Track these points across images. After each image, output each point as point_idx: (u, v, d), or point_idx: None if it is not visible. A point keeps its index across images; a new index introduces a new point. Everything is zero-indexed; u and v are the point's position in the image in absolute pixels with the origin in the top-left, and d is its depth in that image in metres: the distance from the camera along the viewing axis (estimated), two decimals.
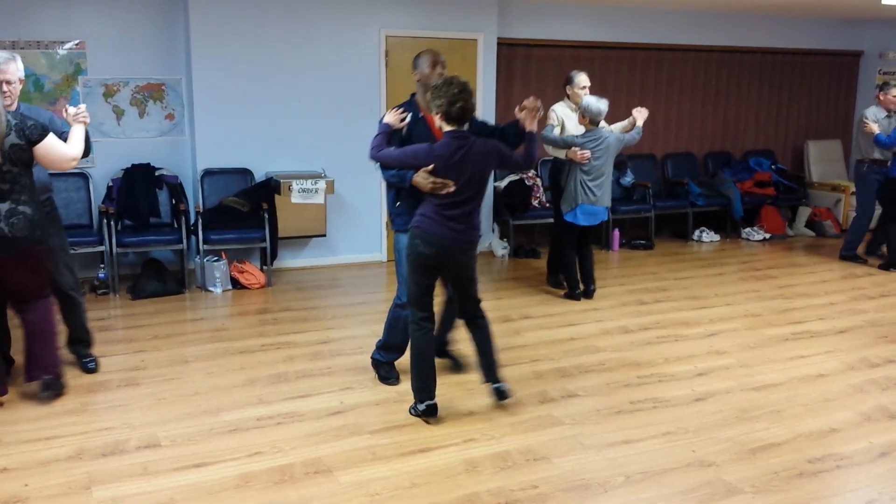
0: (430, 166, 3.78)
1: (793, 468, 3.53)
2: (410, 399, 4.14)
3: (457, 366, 4.63)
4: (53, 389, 4.15)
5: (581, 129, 5.96)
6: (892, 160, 7.09)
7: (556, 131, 6.08)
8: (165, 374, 4.56)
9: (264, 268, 6.60)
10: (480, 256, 7.45)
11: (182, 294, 6.24)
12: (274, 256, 6.68)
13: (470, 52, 7.42)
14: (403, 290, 4.18)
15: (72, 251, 6.02)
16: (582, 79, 6.19)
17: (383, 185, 7.23)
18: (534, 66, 8.05)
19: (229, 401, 4.20)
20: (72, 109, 4.12)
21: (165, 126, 6.77)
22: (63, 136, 4.06)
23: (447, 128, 3.77)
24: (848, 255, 7.60)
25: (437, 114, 3.76)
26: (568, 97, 6.25)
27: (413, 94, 4.27)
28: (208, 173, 6.69)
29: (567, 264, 6.21)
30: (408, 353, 4.10)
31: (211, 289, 6.30)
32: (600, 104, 5.80)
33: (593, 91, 6.18)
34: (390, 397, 4.27)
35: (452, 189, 3.75)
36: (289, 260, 7.08)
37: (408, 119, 4.11)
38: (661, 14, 8.51)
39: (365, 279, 6.90)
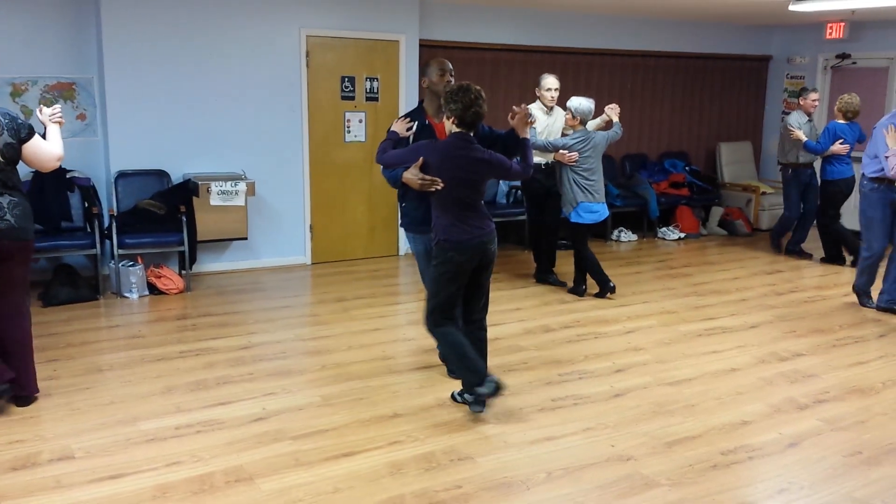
0: (419, 162, 3.92)
1: (707, 460, 3.65)
2: (335, 403, 4.13)
3: None
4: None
5: (550, 131, 6.24)
6: (823, 164, 7.45)
7: (542, 137, 6.28)
8: (79, 384, 4.41)
9: (183, 272, 6.46)
10: (411, 256, 7.47)
11: (96, 300, 6.05)
12: (193, 260, 6.53)
13: (392, 54, 7.42)
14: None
15: None
16: (549, 81, 6.43)
17: (306, 186, 7.20)
18: (456, 69, 7.98)
19: (146, 410, 4.09)
20: (46, 110, 4.15)
21: (77, 126, 6.55)
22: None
23: (456, 130, 3.92)
24: (772, 244, 8.19)
25: (450, 118, 3.91)
26: (539, 99, 6.47)
27: (421, 102, 4.43)
28: (122, 175, 6.50)
29: (588, 263, 6.33)
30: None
31: (127, 295, 6.12)
32: (589, 104, 6.04)
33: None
34: (314, 402, 4.23)
35: (440, 187, 3.87)
36: (208, 264, 6.93)
37: (414, 127, 4.25)
38: (578, 18, 8.67)
39: (288, 282, 6.82)
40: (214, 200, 6.38)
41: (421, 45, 7.58)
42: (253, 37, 6.82)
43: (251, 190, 6.56)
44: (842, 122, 7.32)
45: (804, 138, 7.42)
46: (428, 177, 3.91)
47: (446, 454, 3.66)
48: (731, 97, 10.09)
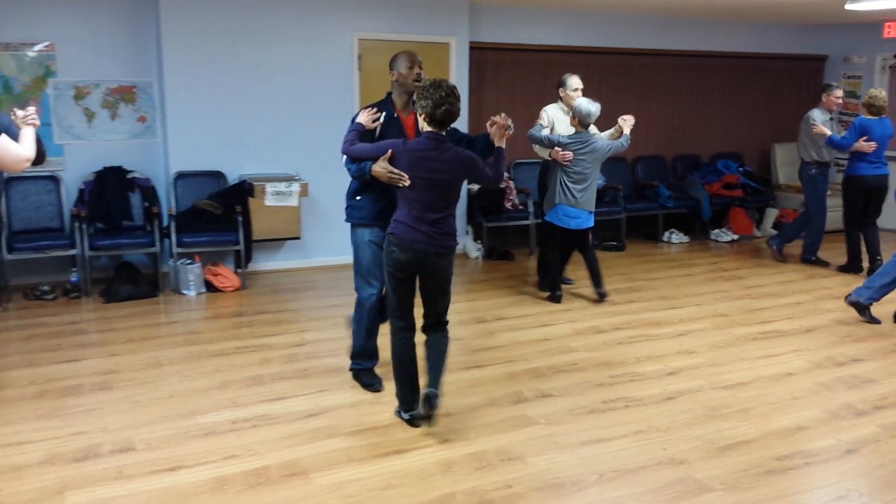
0: (388, 154, 3.78)
1: (762, 466, 3.61)
2: (386, 401, 4.18)
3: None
4: None
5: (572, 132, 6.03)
6: (849, 161, 7.19)
7: (545, 132, 6.09)
8: (140, 378, 4.54)
9: (238, 270, 6.59)
10: (460, 255, 7.48)
11: (156, 297, 6.20)
12: (248, 259, 6.67)
13: (442, 56, 7.46)
14: (360, 284, 4.24)
15: (43, 254, 6.05)
16: (574, 81, 6.18)
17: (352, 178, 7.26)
18: (505, 70, 8.12)
19: (204, 404, 4.19)
20: (20, 112, 4.06)
21: (137, 128, 6.73)
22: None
23: (428, 129, 3.76)
24: (810, 259, 7.66)
25: (421, 114, 3.74)
26: (561, 99, 6.24)
27: (389, 94, 4.26)
28: (181, 176, 6.66)
29: (548, 265, 6.25)
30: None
31: (185, 292, 6.27)
32: (591, 106, 5.79)
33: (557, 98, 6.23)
34: (366, 399, 4.29)
35: (407, 183, 3.74)
36: (263, 262, 7.06)
37: (381, 119, 4.12)
38: (630, 19, 8.61)
39: (339, 281, 6.89)
40: (269, 201, 6.50)
41: (471, 48, 7.62)
42: (307, 40, 6.93)
43: (304, 191, 6.66)
44: (869, 117, 6.97)
45: (828, 132, 7.06)
46: (396, 171, 3.75)
47: (497, 454, 3.68)
48: (786, 97, 9.91)
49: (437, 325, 3.93)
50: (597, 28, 8.44)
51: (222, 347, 5.08)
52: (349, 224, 4.31)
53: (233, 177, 6.82)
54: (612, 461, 3.63)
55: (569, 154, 5.82)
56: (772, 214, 9.15)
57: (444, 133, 3.77)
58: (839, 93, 7.38)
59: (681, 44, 8.96)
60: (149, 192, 6.57)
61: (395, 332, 3.93)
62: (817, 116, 7.30)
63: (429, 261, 3.76)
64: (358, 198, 4.18)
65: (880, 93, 6.94)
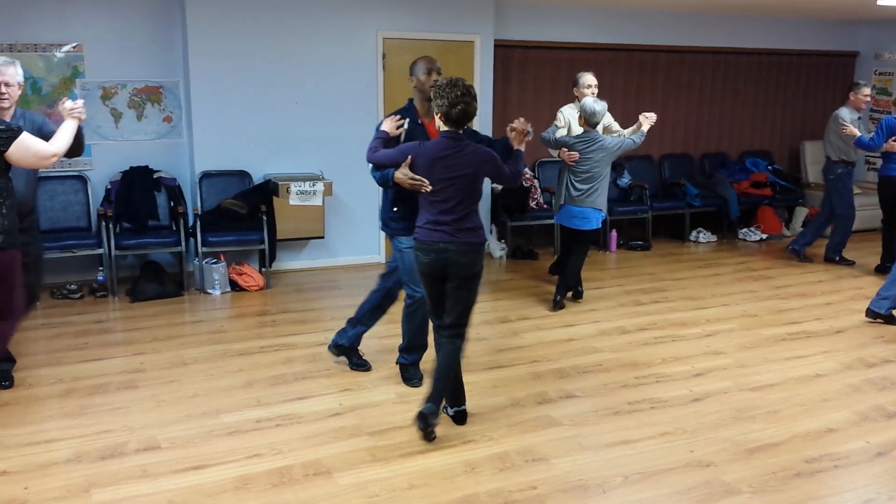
0: (408, 160, 3.79)
1: (790, 468, 3.55)
2: (411, 400, 4.17)
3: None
4: None
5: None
6: (883, 159, 7.08)
7: (561, 132, 6.05)
8: (165, 377, 4.57)
9: (263, 270, 6.61)
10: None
11: (181, 296, 6.24)
12: (272, 258, 6.69)
13: (467, 54, 7.43)
14: (410, 287, 4.25)
15: (70, 254, 6.11)
16: (586, 79, 6.10)
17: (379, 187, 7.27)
18: (531, 68, 8.07)
19: (228, 403, 4.20)
20: (68, 104, 4.00)
21: (163, 128, 6.78)
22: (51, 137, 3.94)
23: (444, 128, 3.76)
24: (834, 259, 7.55)
25: (437, 114, 3.74)
26: (577, 99, 6.17)
27: (410, 100, 4.28)
28: (206, 175, 6.70)
29: (567, 269, 6.18)
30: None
31: (210, 291, 6.31)
32: (596, 105, 5.72)
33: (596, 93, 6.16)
34: (389, 399, 4.28)
35: (429, 189, 3.75)
36: (287, 262, 7.08)
37: (405, 125, 4.14)
38: (657, 16, 8.53)
39: (363, 281, 6.88)
40: (293, 200, 6.51)
41: (496, 46, 7.58)
42: (331, 40, 6.94)
43: (328, 190, 6.67)
44: None
45: (857, 133, 6.96)
46: (417, 177, 3.77)
47: (521, 455, 3.65)
48: (817, 94, 9.76)
49: (452, 328, 3.85)
50: (623, 25, 8.37)
51: (246, 346, 5.10)
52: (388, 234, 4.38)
53: (258, 176, 6.85)
54: (637, 463, 3.59)
55: (575, 154, 5.77)
56: (801, 213, 9.02)
57: (460, 132, 3.76)
58: (867, 91, 7.28)
59: (709, 40, 8.85)
60: (174, 192, 6.61)
61: (435, 331, 3.98)
62: (846, 115, 7.18)
63: (451, 258, 3.75)
64: (395, 209, 4.19)
65: None
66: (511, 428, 3.93)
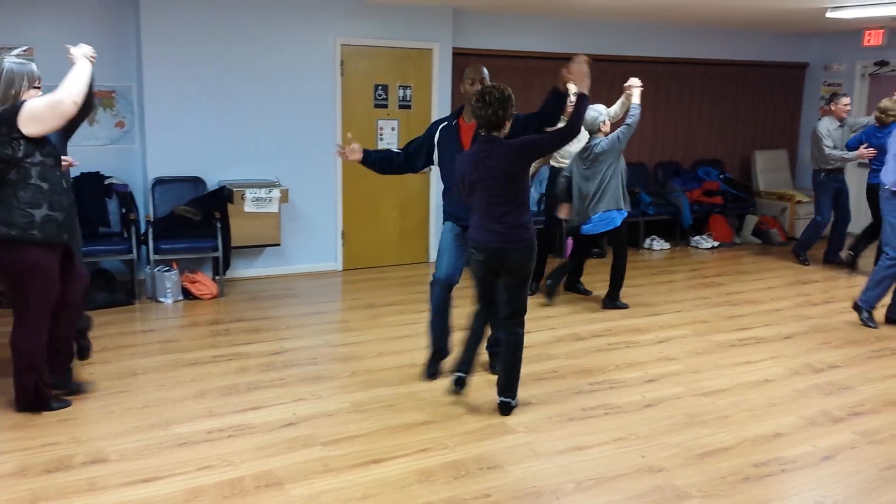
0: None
1: (739, 472, 3.61)
2: (365, 409, 4.15)
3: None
4: None
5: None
6: (871, 167, 7.32)
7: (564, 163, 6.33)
8: (114, 387, 4.48)
9: (217, 278, 6.53)
10: None
11: (132, 305, 6.14)
12: (227, 266, 6.61)
13: (425, 62, 7.45)
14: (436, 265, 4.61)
15: None
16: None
17: (339, 193, 7.25)
18: (489, 76, 8.08)
19: (179, 413, 4.14)
20: (83, 47, 3.77)
21: (115, 134, 6.67)
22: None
23: (482, 135, 4.04)
24: (797, 252, 7.95)
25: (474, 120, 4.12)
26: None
27: (462, 106, 4.57)
28: (159, 182, 6.60)
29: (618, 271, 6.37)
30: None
31: (162, 299, 6.21)
32: (589, 111, 5.79)
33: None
34: (344, 408, 4.25)
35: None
36: (242, 269, 7.01)
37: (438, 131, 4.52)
38: (612, 26, 8.64)
39: (320, 288, 6.87)
40: (248, 207, 6.45)
41: (454, 53, 7.61)
42: (289, 46, 6.90)
43: (285, 197, 6.62)
44: (876, 125, 7.18)
45: (864, 155, 7.19)
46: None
47: (475, 462, 3.66)
48: (767, 105, 9.97)
49: (509, 317, 4.14)
50: (578, 35, 8.45)
51: (199, 356, 5.03)
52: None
53: (212, 183, 6.77)
54: (590, 469, 3.61)
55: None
56: (751, 221, 9.20)
57: (494, 134, 3.97)
58: (846, 100, 7.62)
59: (662, 51, 9.00)
60: (126, 199, 6.49)
61: (475, 311, 4.34)
62: (824, 127, 7.52)
63: (505, 256, 4.00)
64: (443, 199, 4.65)
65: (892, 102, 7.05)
66: (466, 436, 3.94)
